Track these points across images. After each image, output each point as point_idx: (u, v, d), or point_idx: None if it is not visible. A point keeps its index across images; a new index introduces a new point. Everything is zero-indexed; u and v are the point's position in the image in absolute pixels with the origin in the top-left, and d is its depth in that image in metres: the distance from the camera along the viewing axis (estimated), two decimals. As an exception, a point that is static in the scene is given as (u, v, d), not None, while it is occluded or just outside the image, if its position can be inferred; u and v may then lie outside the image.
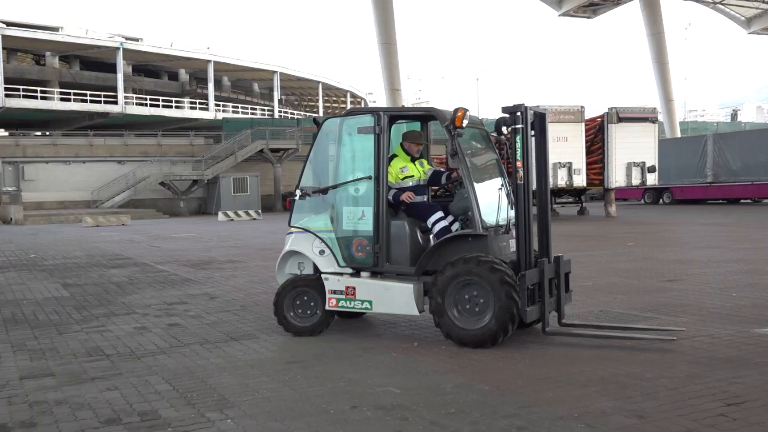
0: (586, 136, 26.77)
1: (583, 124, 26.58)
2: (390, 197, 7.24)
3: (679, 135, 50.51)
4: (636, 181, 27.56)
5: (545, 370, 5.86)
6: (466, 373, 5.79)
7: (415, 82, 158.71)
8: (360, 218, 7.21)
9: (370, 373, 5.90)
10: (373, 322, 8.09)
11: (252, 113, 65.12)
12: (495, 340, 6.48)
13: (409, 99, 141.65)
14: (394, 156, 7.59)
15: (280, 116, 66.23)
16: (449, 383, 5.53)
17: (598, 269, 12.16)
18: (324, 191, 7.53)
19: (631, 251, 15.14)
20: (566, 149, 26.11)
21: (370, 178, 7.14)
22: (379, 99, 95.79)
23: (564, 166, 26.26)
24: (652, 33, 49.32)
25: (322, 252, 7.43)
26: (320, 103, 74.56)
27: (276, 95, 66.20)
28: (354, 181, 7.30)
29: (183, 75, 68.67)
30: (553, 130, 26.56)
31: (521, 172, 6.65)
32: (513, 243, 6.93)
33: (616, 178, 27.06)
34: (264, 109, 68.56)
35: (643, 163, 27.19)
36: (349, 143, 7.45)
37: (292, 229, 7.75)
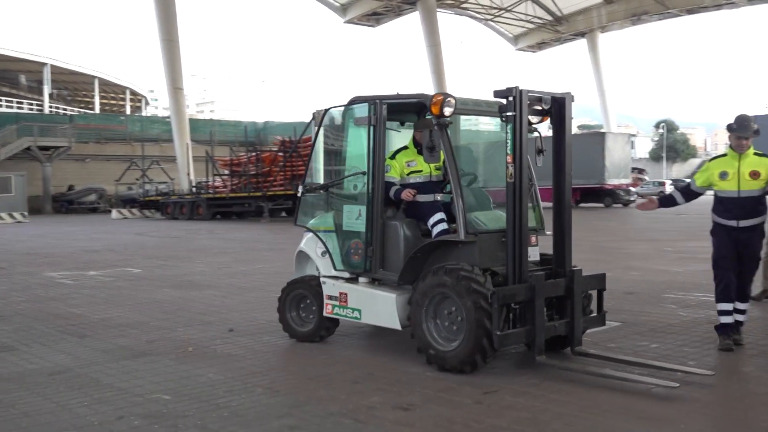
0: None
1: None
2: (391, 194, 6.51)
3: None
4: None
5: (318, 369, 5.99)
6: (240, 377, 5.77)
7: (200, 81, 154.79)
8: (357, 218, 6.54)
9: (140, 380, 5.70)
10: (147, 326, 7.82)
11: (18, 107, 60.21)
12: (474, 365, 5.60)
13: (192, 98, 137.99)
14: (403, 148, 6.80)
15: (51, 112, 61.85)
16: (222, 387, 5.48)
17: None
18: (324, 188, 7.08)
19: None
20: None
21: (364, 173, 6.45)
22: (161, 97, 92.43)
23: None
24: (430, 44, 51.85)
25: (323, 253, 6.90)
26: (96, 100, 70.55)
27: (46, 89, 61.70)
28: (350, 176, 6.72)
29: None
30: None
31: (511, 169, 5.72)
32: (531, 251, 5.99)
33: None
34: (32, 104, 63.63)
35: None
36: (351, 135, 6.83)
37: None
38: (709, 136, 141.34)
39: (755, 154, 6.39)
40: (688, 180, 8.49)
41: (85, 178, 48.26)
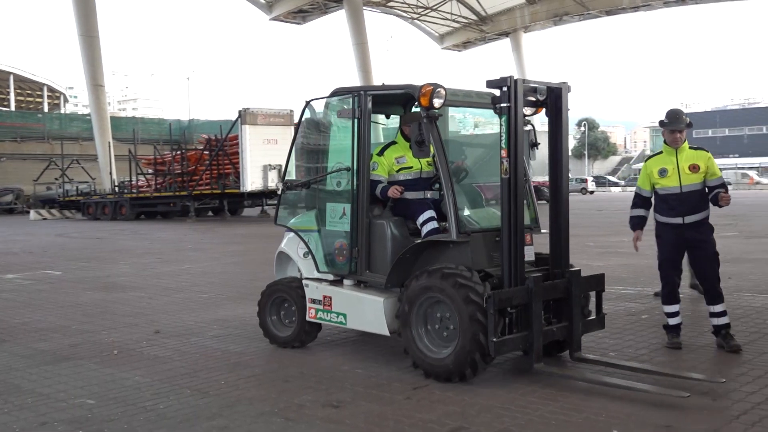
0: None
1: (293, 128, 27.33)
2: (378, 192, 6.18)
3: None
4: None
5: (248, 369, 5.94)
6: (168, 379, 5.68)
7: (121, 78, 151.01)
8: (341, 216, 6.20)
9: (63, 385, 5.54)
10: (70, 330, 7.61)
11: None
12: (462, 375, 5.26)
13: (114, 96, 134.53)
14: (391, 143, 6.45)
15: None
16: (149, 390, 5.38)
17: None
18: (306, 185, 6.71)
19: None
20: (277, 151, 26.64)
21: (348, 169, 6.11)
22: (80, 95, 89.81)
23: (274, 168, 26.75)
24: (356, 42, 51.86)
25: (305, 254, 6.57)
26: (12, 97, 68.09)
27: (-44, 86, 59.24)
28: (333, 172, 6.34)
29: None
30: (264, 132, 27.26)
31: (506, 164, 5.36)
32: (527, 250, 5.64)
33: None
34: (-58, 101, 60.97)
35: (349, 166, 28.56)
36: (335, 128, 6.52)
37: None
38: (628, 134, 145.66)
39: (691, 148, 6.27)
40: (618, 180, 8.53)
41: (0, 179, 46.54)
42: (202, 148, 31.90)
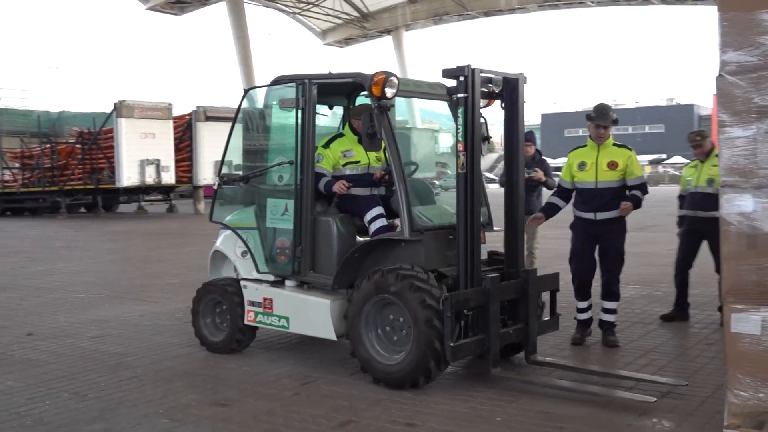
0: (175, 134, 26.85)
1: (172, 122, 26.62)
2: (322, 187, 5.79)
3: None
4: (224, 179, 28.38)
5: (129, 370, 5.75)
6: (43, 382, 5.42)
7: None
8: (283, 213, 5.83)
9: (-73, 393, 5.20)
10: (-69, 335, 7.12)
11: None
12: (415, 382, 4.97)
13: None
14: (339, 136, 6.09)
15: None
16: (23, 394, 5.13)
17: (187, 266, 12.25)
18: (245, 179, 6.28)
19: (218, 247, 15.53)
20: (155, 146, 25.86)
21: (291, 163, 5.75)
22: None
23: (152, 163, 25.95)
24: (237, 36, 50.96)
25: (243, 253, 6.17)
26: None
27: None
28: (275, 166, 5.98)
29: None
30: (141, 126, 26.36)
31: (463, 158, 5.09)
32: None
33: (205, 175, 27.50)
34: None
35: (230, 161, 28.09)
36: (277, 119, 6.13)
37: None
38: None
39: (615, 144, 6.24)
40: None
41: None
42: (73, 141, 30.50)
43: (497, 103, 5.64)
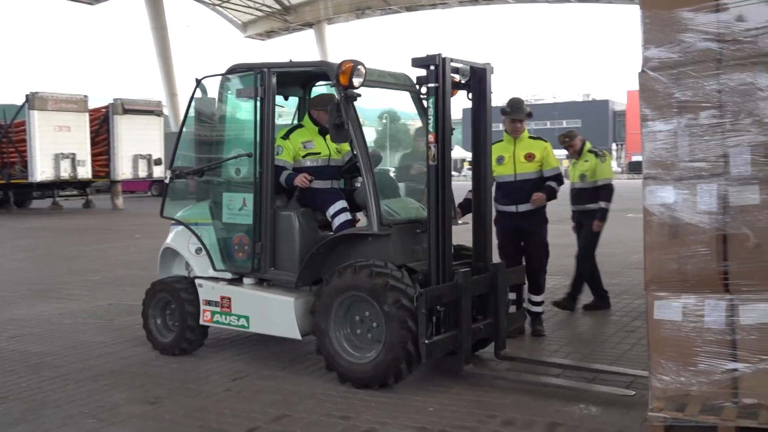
0: (91, 127, 26.06)
1: (87, 114, 25.82)
2: (283, 180, 5.58)
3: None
4: (143, 173, 27.72)
5: (51, 370, 5.57)
6: (-40, 385, 5.20)
7: None
8: (241, 208, 5.59)
9: None
10: None
11: None
12: (384, 382, 4.84)
13: None
14: (298, 126, 5.90)
15: None
16: (-61, 398, 4.90)
17: (107, 262, 11.94)
18: (199, 173, 5.94)
19: (139, 243, 15.17)
20: (70, 139, 25.02)
21: (249, 155, 5.50)
22: None
23: (68, 157, 25.12)
24: (155, 27, 49.80)
25: (198, 250, 5.88)
26: None
27: None
28: (232, 159, 5.70)
29: None
30: (55, 119, 25.49)
31: (434, 150, 4.95)
32: None
33: (123, 170, 26.83)
34: None
35: (150, 155, 27.48)
36: (232, 109, 5.87)
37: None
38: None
39: (530, 137, 6.35)
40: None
41: None
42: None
43: (460, 93, 5.51)
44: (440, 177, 4.97)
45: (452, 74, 5.21)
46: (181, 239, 6.09)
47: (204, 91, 5.93)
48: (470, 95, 5.44)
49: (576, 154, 7.35)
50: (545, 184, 6.29)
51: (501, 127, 6.47)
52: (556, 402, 4.61)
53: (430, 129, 4.97)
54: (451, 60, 5.08)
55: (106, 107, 26.83)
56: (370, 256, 5.08)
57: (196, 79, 5.89)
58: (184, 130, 6.19)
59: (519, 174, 6.24)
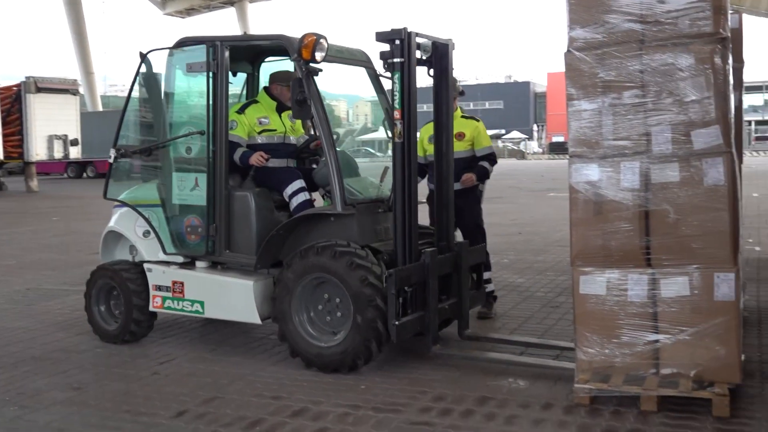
0: (2, 106, 25.01)
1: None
2: (238, 158, 5.38)
3: (100, 108, 50.55)
4: (58, 154, 26.81)
5: (-31, 357, 5.37)
6: None
7: None
8: (193, 188, 5.34)
9: None
10: None
11: None
12: (353, 365, 4.73)
13: None
14: (253, 102, 5.71)
15: None
16: None
17: (23, 247, 11.54)
18: (147, 151, 5.63)
19: (56, 226, 14.69)
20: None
21: (202, 133, 5.26)
22: None
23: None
24: (69, 3, 48.08)
25: (146, 233, 5.60)
26: None
27: None
28: (183, 137, 5.43)
29: None
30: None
31: (400, 127, 4.84)
32: None
33: (37, 150, 25.87)
34: None
35: (66, 135, 26.58)
36: (181, 85, 5.57)
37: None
38: (350, 107, 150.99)
39: (463, 116, 6.23)
40: None
41: None
42: None
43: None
44: (406, 154, 4.88)
45: (417, 49, 5.10)
46: (127, 222, 5.83)
47: (149, 66, 5.70)
48: (431, 71, 5.32)
49: None
50: (478, 164, 6.29)
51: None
52: (486, 377, 4.70)
53: (396, 105, 4.85)
54: (417, 35, 4.97)
55: (18, 85, 25.79)
56: (332, 236, 4.94)
57: (141, 53, 5.65)
58: (128, 107, 5.90)
59: (453, 152, 5.99)
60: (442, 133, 5.37)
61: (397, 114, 4.86)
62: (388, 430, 3.87)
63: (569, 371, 4.40)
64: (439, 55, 5.22)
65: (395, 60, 4.80)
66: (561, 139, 68.68)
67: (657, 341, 4.10)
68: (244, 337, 5.77)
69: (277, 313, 4.96)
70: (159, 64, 5.65)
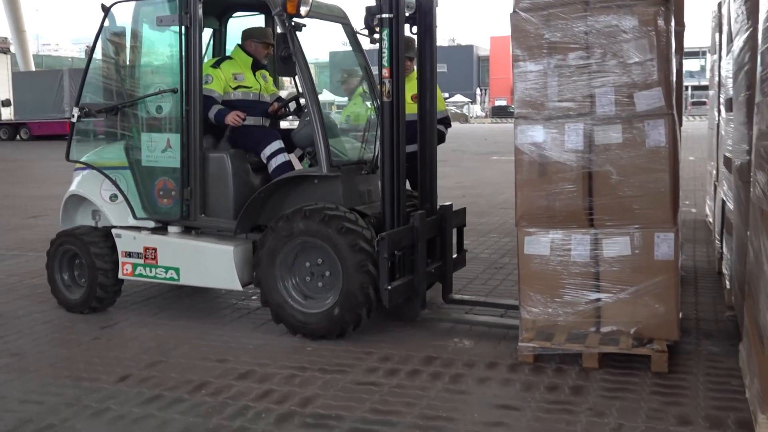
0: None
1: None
2: (211, 116, 5.15)
3: (33, 68, 48.91)
4: (-10, 115, 25.90)
5: None
6: None
7: None
8: (165, 149, 5.08)
9: None
10: None
11: None
12: (342, 331, 4.61)
13: None
14: (227, 58, 5.48)
15: None
16: None
17: (-46, 210, 11.13)
18: (114, 110, 5.33)
19: (-11, 189, 14.23)
20: None
21: (174, 91, 5.02)
22: None
23: None
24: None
25: (113, 197, 5.33)
26: None
27: None
28: (154, 95, 5.17)
29: None
30: None
31: (389, 85, 4.67)
32: None
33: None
34: None
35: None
36: (150, 40, 5.30)
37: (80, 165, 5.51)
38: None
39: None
40: None
41: None
42: None
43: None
44: (395, 114, 4.74)
45: None
46: (91, 185, 5.52)
47: (113, 20, 5.43)
48: (414, 29, 5.11)
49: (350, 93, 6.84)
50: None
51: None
52: (431, 335, 4.74)
53: (385, 63, 4.67)
54: None
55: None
56: (316, 200, 4.79)
57: (104, 6, 5.37)
58: (90, 65, 5.61)
59: (407, 115, 6.10)
60: (426, 92, 5.21)
61: (385, 72, 4.68)
62: (335, 390, 3.88)
63: (514, 330, 4.48)
64: (424, 12, 5.02)
65: (384, 15, 4.62)
66: (504, 102, 69.24)
67: (599, 300, 4.19)
68: (189, 300, 5.70)
69: (260, 278, 4.79)
70: (123, 17, 5.39)
